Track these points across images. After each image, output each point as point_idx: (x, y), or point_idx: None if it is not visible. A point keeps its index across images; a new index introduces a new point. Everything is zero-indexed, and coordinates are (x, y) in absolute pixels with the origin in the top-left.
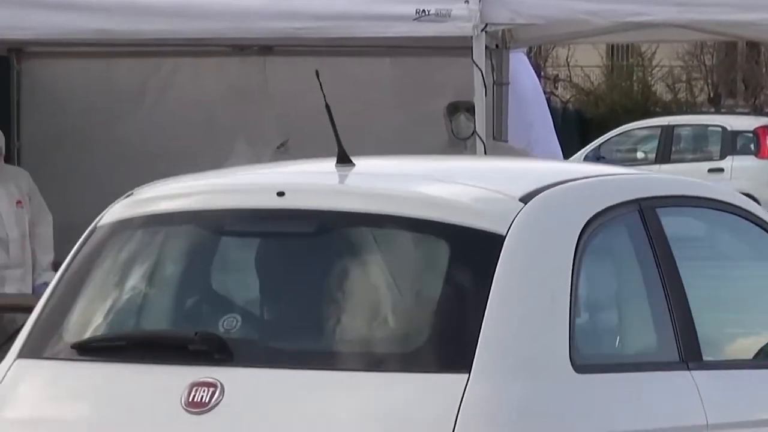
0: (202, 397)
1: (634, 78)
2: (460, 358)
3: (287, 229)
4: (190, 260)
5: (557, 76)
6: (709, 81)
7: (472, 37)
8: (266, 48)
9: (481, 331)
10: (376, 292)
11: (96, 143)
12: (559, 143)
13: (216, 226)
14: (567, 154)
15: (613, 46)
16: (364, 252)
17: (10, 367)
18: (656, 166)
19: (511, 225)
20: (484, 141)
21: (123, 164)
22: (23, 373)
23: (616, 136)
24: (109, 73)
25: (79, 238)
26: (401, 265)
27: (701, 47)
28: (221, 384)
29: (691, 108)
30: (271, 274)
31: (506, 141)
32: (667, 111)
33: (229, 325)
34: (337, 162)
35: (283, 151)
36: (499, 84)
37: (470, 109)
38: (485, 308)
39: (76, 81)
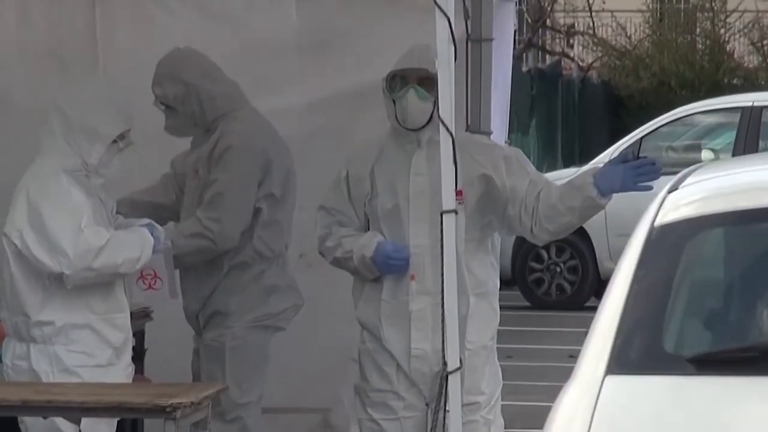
0: None
1: (698, 31)
2: None
3: None
4: None
5: (572, 27)
6: None
7: None
8: None
9: None
10: None
11: None
12: (579, 133)
13: None
14: (589, 151)
15: None
16: None
17: (601, 385)
18: None
19: None
20: (452, 133)
21: None
22: (626, 390)
23: (667, 124)
24: None
25: None
26: None
27: None
28: None
29: None
30: None
31: (489, 132)
32: (750, 84)
33: None
34: None
35: (123, 147)
36: (476, 41)
37: (426, 81)
38: None
39: None
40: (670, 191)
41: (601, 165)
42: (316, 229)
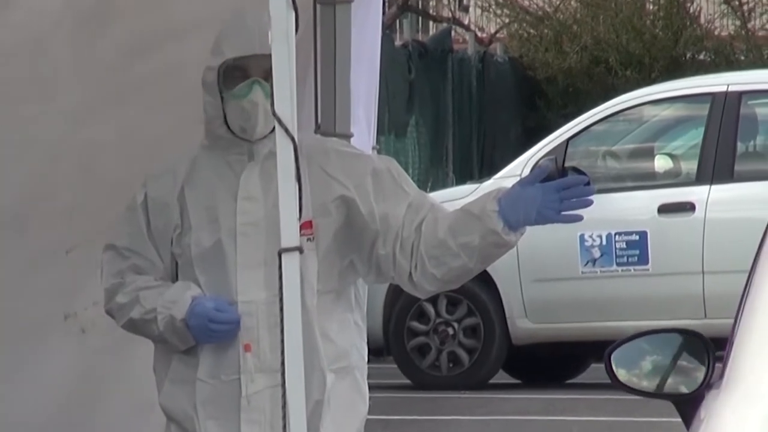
0: None
1: None
2: None
3: None
4: None
5: None
6: None
7: None
8: None
9: None
10: None
11: None
12: (478, 133)
13: None
14: (493, 159)
15: None
16: None
17: None
18: (702, 189)
19: None
20: (294, 136)
21: None
22: None
23: (604, 119)
24: None
25: None
26: None
27: None
28: None
29: None
30: None
31: (349, 135)
32: (724, 59)
33: None
34: None
35: None
36: (327, 3)
37: (252, 64)
38: None
39: None
40: None
41: (511, 183)
42: (102, 278)
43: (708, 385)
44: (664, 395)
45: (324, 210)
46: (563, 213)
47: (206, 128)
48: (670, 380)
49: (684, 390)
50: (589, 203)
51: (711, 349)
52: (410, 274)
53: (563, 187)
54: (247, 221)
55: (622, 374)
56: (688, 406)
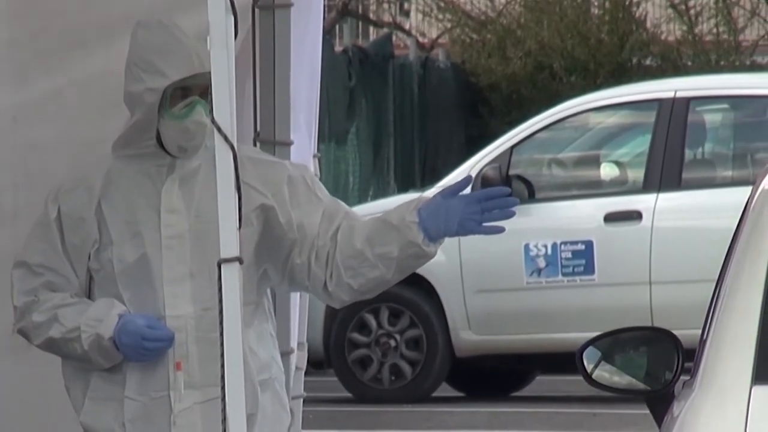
0: None
1: None
2: None
3: None
4: None
5: None
6: None
7: None
8: None
9: None
10: None
11: None
12: (420, 141)
13: None
14: (436, 166)
15: None
16: None
17: (750, 396)
18: (649, 197)
19: None
20: (234, 144)
21: None
22: None
23: (548, 126)
24: None
25: None
26: None
27: None
28: None
29: (729, 55)
30: None
31: (289, 143)
32: (671, 65)
33: None
34: None
35: None
36: (267, 8)
37: (191, 83)
38: None
39: None
40: None
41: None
42: (12, 296)
43: (677, 381)
44: (635, 391)
45: (246, 220)
46: (485, 224)
47: (128, 140)
48: (640, 377)
49: (654, 386)
50: (511, 214)
51: (680, 347)
52: (325, 283)
53: (485, 198)
54: (171, 234)
55: (593, 371)
56: (659, 402)
